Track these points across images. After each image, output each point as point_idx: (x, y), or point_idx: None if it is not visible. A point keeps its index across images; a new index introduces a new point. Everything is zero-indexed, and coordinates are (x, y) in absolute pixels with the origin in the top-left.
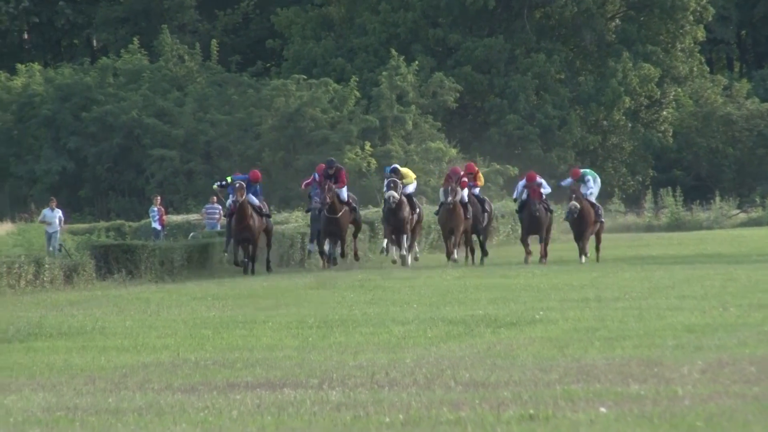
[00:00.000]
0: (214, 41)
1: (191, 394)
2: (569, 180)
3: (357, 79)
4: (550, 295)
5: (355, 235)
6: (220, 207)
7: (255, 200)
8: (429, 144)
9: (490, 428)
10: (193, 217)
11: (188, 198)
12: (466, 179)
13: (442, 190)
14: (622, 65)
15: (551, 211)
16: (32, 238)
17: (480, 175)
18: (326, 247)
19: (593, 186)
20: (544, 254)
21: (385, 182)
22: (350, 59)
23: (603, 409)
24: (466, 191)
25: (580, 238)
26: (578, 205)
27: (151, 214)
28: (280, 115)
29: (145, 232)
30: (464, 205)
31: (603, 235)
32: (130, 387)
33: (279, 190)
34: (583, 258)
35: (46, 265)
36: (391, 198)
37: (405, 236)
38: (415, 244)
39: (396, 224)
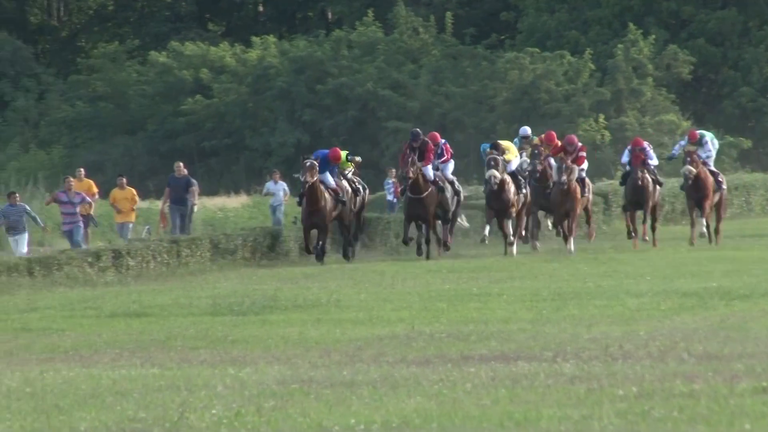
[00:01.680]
0: (448, 14)
1: (426, 366)
2: (682, 143)
3: (591, 51)
4: None
5: (445, 221)
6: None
7: (330, 181)
8: (662, 116)
9: (723, 401)
10: None
11: None
12: (584, 153)
13: (555, 166)
14: None
15: (660, 183)
16: (267, 210)
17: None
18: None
19: (712, 149)
20: (644, 234)
21: (486, 160)
22: (584, 32)
23: None
24: (585, 165)
25: (698, 207)
26: (693, 169)
27: (386, 187)
28: (515, 87)
29: (379, 204)
30: (581, 181)
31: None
32: (364, 360)
33: None
34: (703, 230)
35: (282, 238)
36: (492, 178)
37: (509, 221)
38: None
39: (499, 207)
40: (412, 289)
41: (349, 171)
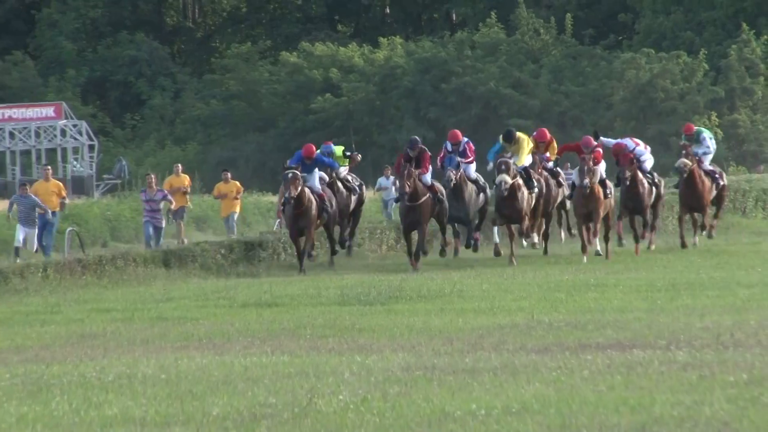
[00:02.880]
0: (568, 15)
1: (544, 354)
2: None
3: (705, 51)
4: None
5: (442, 230)
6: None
7: (317, 187)
8: None
9: None
10: None
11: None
12: (600, 150)
13: (577, 168)
14: None
15: (655, 185)
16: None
17: (554, 144)
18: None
19: (710, 146)
20: (642, 235)
21: (497, 164)
22: (699, 32)
23: None
24: (603, 165)
25: (693, 208)
26: (688, 162)
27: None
28: (632, 86)
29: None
30: (602, 182)
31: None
32: (485, 347)
33: None
34: (697, 235)
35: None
36: (503, 183)
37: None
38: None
39: (510, 214)
40: (532, 279)
41: (345, 169)
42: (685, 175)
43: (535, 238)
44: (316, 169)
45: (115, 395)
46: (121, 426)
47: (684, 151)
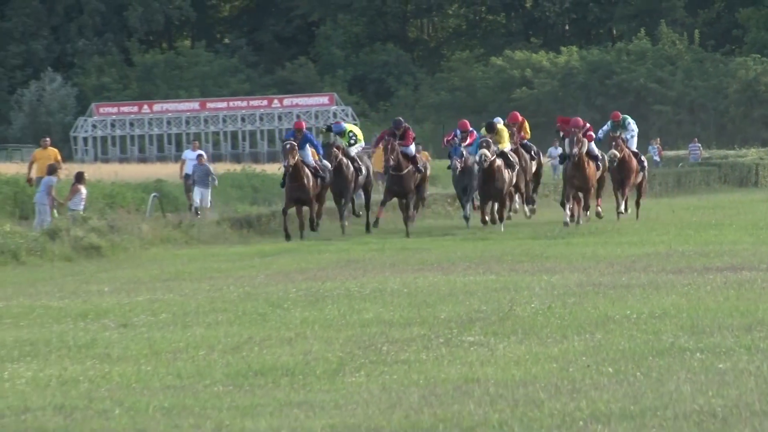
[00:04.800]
0: (696, 31)
1: (678, 274)
2: (605, 127)
3: None
4: None
5: (417, 201)
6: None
7: (310, 160)
8: None
9: None
10: (681, 152)
11: (677, 139)
12: (591, 133)
13: (567, 140)
14: None
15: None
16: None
17: (526, 125)
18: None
19: (634, 130)
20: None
21: (479, 141)
22: None
23: None
24: (593, 144)
25: (619, 188)
26: (617, 153)
27: (651, 151)
28: (742, 81)
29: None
30: (594, 157)
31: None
32: (636, 269)
33: (740, 134)
34: (623, 209)
35: None
36: (483, 155)
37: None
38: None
39: (493, 194)
40: (670, 221)
41: (354, 148)
42: (615, 164)
43: (525, 209)
44: (308, 146)
45: (370, 304)
46: (375, 326)
47: (615, 143)
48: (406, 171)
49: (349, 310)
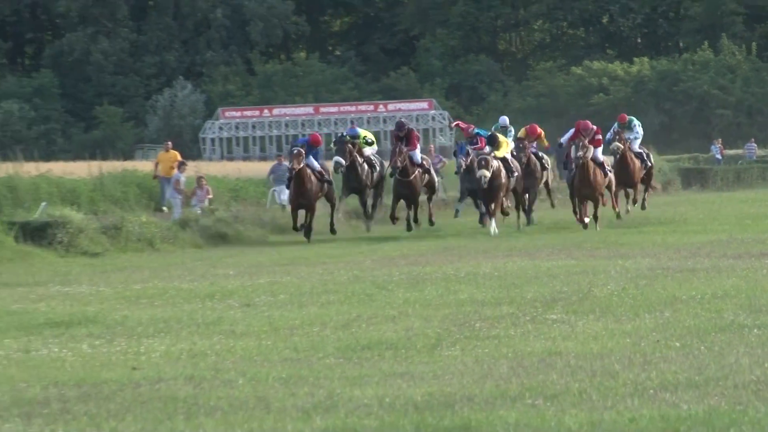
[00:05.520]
0: (753, 44)
1: (738, 259)
2: (615, 126)
3: None
4: None
5: (429, 199)
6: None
7: (315, 165)
8: None
9: None
10: (740, 151)
11: (737, 140)
12: (599, 137)
13: (573, 146)
14: None
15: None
16: None
17: (543, 136)
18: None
19: (639, 133)
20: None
21: (477, 160)
22: None
23: None
24: (600, 150)
25: (626, 184)
26: (620, 145)
27: (713, 150)
28: None
29: (709, 161)
30: (600, 164)
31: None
32: (701, 255)
33: None
34: (629, 207)
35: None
36: (483, 178)
37: (492, 204)
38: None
39: (490, 197)
40: (731, 212)
41: (369, 150)
42: (618, 156)
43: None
44: (317, 150)
45: (465, 285)
46: (469, 305)
47: (617, 136)
48: (413, 176)
49: (446, 291)
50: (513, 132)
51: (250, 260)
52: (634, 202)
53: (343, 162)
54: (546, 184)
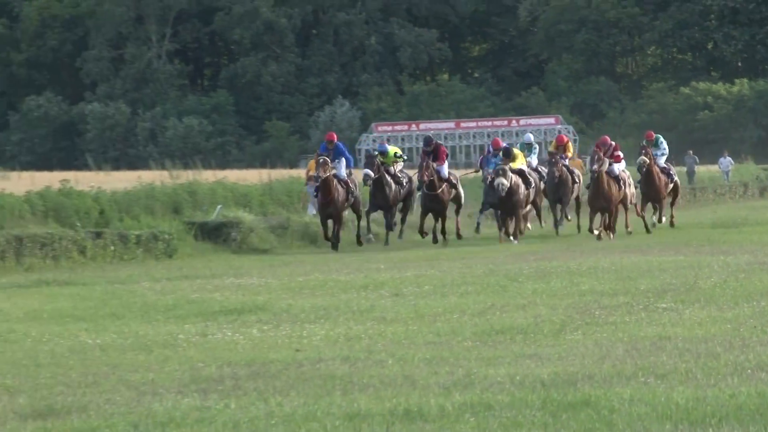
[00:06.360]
0: None
1: None
2: (642, 144)
3: None
4: None
5: (457, 212)
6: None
7: (343, 175)
8: None
9: None
10: None
11: None
12: (620, 153)
13: (588, 158)
14: None
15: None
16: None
17: (570, 145)
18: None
19: (665, 149)
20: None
21: (495, 169)
22: None
23: None
24: (623, 164)
25: (653, 199)
26: (646, 159)
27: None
28: None
29: None
30: (615, 177)
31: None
32: None
33: None
34: (656, 220)
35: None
36: (500, 185)
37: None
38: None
39: (508, 209)
40: None
41: (397, 166)
42: (644, 170)
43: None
44: (343, 159)
45: (586, 278)
46: (590, 295)
47: (644, 151)
48: (440, 190)
49: (570, 283)
50: (537, 149)
51: (398, 256)
52: (660, 218)
53: (372, 174)
54: (577, 198)
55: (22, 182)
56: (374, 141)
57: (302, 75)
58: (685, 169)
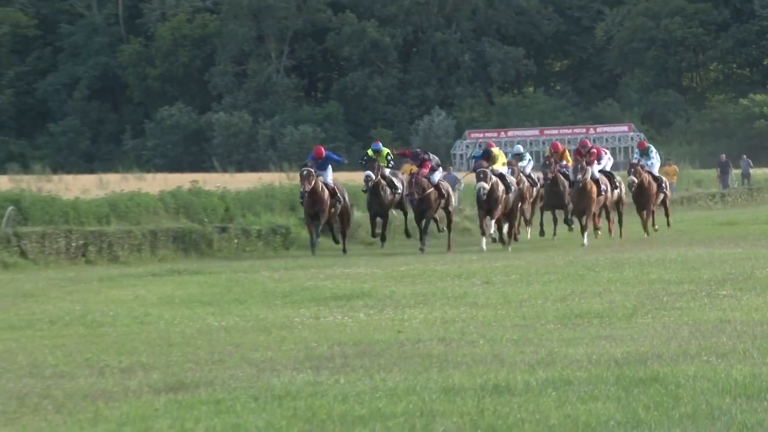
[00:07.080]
0: None
1: None
2: (636, 153)
3: None
4: None
5: (448, 228)
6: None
7: (330, 182)
8: None
9: None
10: None
11: None
12: (595, 151)
13: (571, 168)
14: None
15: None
16: None
17: (567, 154)
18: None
19: (656, 160)
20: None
21: (476, 173)
22: None
23: None
24: (596, 167)
25: (643, 209)
26: (635, 179)
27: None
28: None
29: None
30: (596, 181)
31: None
32: None
33: None
34: (651, 226)
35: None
36: (482, 189)
37: (501, 220)
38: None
39: (488, 208)
40: None
41: (388, 170)
42: (634, 189)
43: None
44: (329, 167)
45: (655, 268)
46: (658, 284)
47: (633, 170)
48: (427, 193)
49: (641, 273)
50: (529, 157)
51: (488, 248)
52: (654, 223)
53: (373, 176)
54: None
55: (156, 183)
56: (467, 147)
57: (404, 88)
58: (740, 171)
